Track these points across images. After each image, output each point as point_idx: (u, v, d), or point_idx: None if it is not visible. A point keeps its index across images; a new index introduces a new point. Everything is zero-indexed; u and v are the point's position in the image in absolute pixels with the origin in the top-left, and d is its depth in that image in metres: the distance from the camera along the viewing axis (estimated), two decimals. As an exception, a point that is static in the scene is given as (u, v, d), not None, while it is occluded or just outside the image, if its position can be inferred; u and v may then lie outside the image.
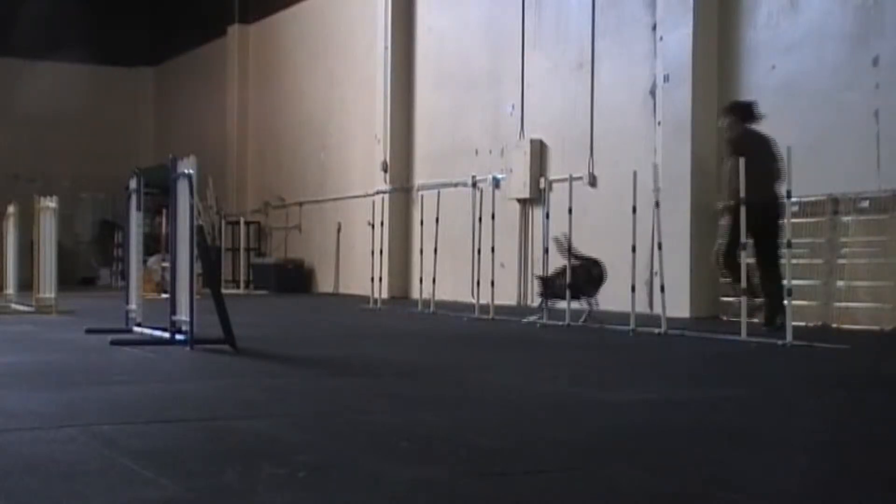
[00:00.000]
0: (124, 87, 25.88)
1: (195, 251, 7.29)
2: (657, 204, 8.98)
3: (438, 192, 12.82)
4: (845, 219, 9.79)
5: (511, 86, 14.29)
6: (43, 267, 12.11)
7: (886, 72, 9.71)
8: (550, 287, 10.52)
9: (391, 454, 3.52)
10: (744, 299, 8.32)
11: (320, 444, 3.80)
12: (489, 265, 12.41)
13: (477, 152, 14.84)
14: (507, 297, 13.24)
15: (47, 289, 11.92)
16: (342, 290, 17.93)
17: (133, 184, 8.94)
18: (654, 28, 11.99)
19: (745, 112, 9.54)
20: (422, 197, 14.09)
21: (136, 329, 8.49)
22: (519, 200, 13.93)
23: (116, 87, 25.67)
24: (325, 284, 18.73)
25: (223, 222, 20.34)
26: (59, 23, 23.04)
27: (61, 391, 5.16)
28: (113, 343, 7.48)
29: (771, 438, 4.01)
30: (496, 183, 14.16)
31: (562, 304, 10.18)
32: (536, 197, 13.44)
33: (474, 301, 11.89)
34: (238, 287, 19.78)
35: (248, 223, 20.85)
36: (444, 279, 13.66)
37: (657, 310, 9.57)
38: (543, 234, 11.06)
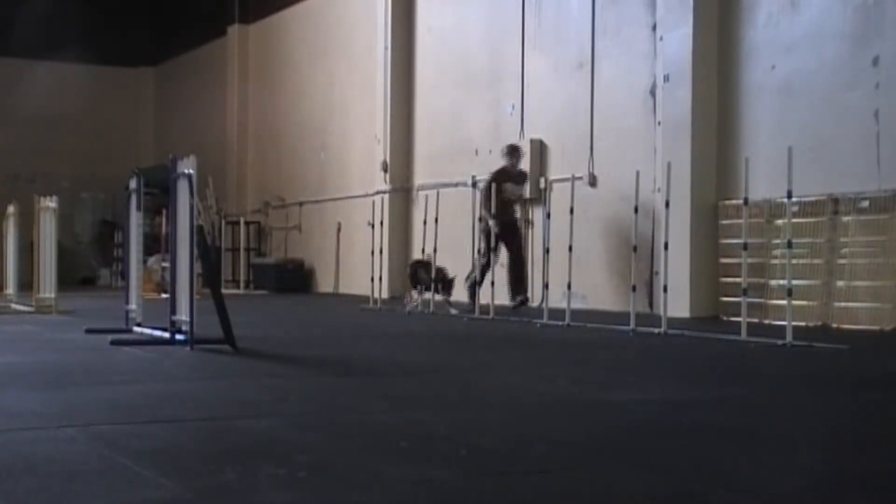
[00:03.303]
0: (124, 87, 25.88)
1: (195, 251, 7.29)
2: (667, 204, 8.96)
3: (438, 192, 12.82)
4: (845, 219, 9.79)
5: (511, 86, 14.28)
6: (43, 267, 12.10)
7: (886, 72, 9.71)
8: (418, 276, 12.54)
9: (391, 454, 3.52)
10: (744, 301, 8.32)
11: (320, 444, 3.80)
12: (489, 265, 12.42)
13: (477, 152, 14.83)
14: (507, 297, 13.22)
15: (47, 289, 11.92)
16: (342, 290, 17.93)
17: (133, 184, 8.94)
18: (654, 28, 11.99)
19: None
20: (423, 197, 14.08)
21: (136, 329, 8.49)
22: (519, 200, 13.91)
23: (116, 87, 25.67)
24: (325, 284, 18.73)
25: (223, 222, 20.34)
26: (59, 23, 23.04)
27: (61, 391, 5.16)
28: (113, 343, 7.49)
29: (771, 438, 4.01)
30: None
31: (562, 304, 10.18)
32: (536, 197, 13.44)
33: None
34: (238, 287, 19.78)
35: (248, 223, 20.85)
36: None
37: (657, 310, 9.57)
38: (544, 234, 11.07)
